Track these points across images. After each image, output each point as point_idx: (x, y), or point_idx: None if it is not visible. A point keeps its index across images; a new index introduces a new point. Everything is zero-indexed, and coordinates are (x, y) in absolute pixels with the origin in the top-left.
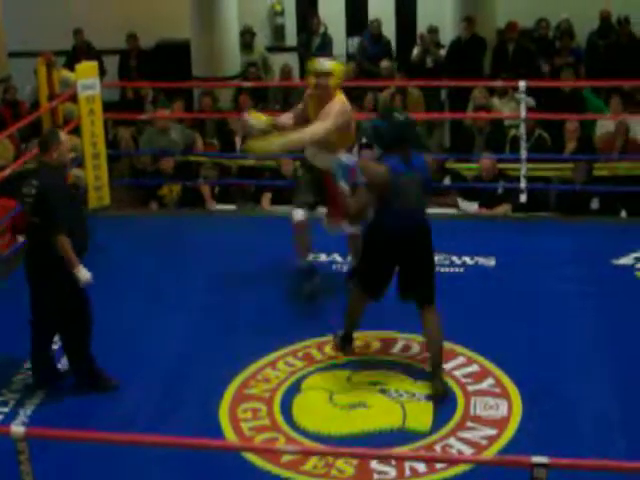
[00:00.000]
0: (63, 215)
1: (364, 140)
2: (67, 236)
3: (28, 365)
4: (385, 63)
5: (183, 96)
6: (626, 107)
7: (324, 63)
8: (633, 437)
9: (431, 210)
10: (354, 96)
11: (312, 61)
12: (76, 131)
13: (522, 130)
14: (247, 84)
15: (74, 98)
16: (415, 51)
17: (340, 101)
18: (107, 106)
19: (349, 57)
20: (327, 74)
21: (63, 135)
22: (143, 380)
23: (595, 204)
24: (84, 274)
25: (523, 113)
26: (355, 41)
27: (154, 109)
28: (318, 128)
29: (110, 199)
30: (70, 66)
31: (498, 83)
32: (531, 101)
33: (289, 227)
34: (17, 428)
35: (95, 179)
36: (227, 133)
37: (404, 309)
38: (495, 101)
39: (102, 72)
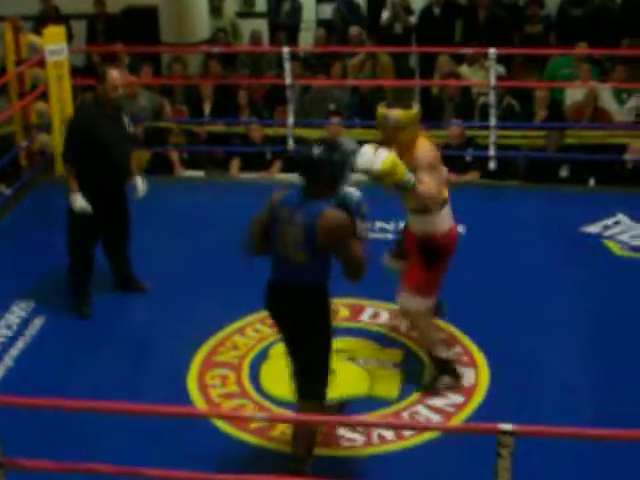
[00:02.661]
0: (70, 145)
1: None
2: (74, 164)
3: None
4: (354, 29)
5: (151, 62)
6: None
7: (389, 117)
8: (600, 405)
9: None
10: (323, 64)
11: (379, 111)
12: (44, 97)
13: (491, 98)
14: (216, 50)
15: (42, 63)
16: (384, 16)
17: (424, 152)
18: (74, 71)
19: (319, 23)
20: (394, 128)
21: (111, 73)
22: (110, 347)
23: (564, 172)
24: (78, 202)
25: (493, 81)
26: (326, 8)
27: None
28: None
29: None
30: (37, 31)
31: (468, 50)
32: (500, 69)
33: (257, 193)
34: None
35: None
36: (196, 99)
37: (372, 276)
38: (464, 69)
39: (69, 37)
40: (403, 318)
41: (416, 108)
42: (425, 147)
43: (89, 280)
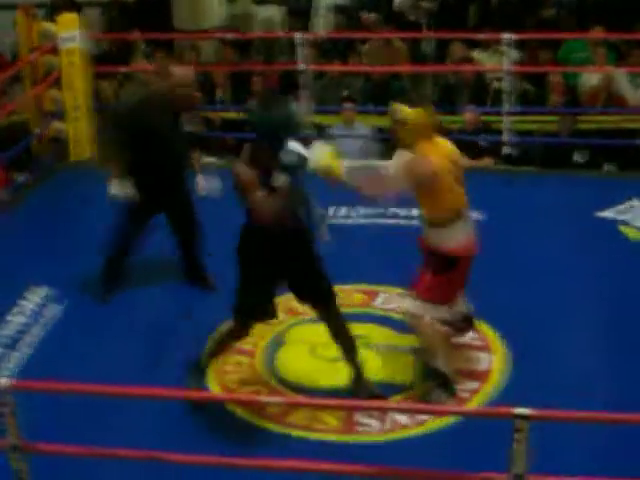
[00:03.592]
0: (123, 132)
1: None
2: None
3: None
4: (368, 15)
5: (164, 49)
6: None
7: (396, 109)
8: (616, 392)
9: None
10: (338, 50)
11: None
12: (57, 84)
13: (506, 83)
14: (230, 36)
15: (55, 50)
16: (397, 1)
17: (414, 157)
18: (90, 59)
19: (337, 10)
20: (398, 122)
21: (176, 70)
22: (126, 334)
23: (579, 157)
24: (113, 188)
25: (507, 66)
26: None
27: (147, 61)
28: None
29: (92, 152)
30: (51, 18)
31: (482, 35)
32: (515, 54)
33: None
34: (2, 380)
35: (76, 132)
36: (209, 86)
37: (386, 262)
38: (477, 54)
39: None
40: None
41: (426, 112)
42: (424, 158)
43: (121, 269)
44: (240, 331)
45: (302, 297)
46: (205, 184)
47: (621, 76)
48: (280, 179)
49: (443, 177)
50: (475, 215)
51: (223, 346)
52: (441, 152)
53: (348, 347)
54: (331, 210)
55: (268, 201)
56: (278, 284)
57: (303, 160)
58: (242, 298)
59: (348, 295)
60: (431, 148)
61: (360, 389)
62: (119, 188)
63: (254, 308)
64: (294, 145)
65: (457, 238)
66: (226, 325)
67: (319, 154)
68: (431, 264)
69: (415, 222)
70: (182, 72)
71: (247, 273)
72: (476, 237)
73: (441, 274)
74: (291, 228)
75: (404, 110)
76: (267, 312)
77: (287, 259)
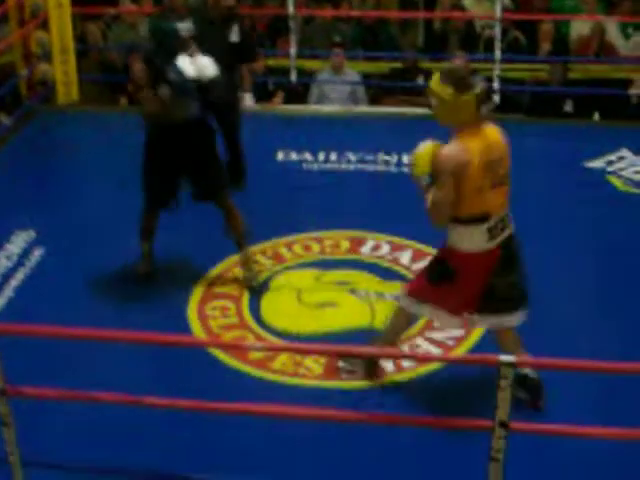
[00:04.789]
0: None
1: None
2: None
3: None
4: None
5: None
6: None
7: (435, 80)
8: (601, 340)
9: (404, 109)
10: None
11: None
12: (44, 26)
13: (497, 30)
14: None
15: None
16: None
17: (449, 150)
18: (74, 0)
19: None
20: (432, 95)
21: None
22: (109, 278)
23: (569, 106)
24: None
25: (498, 13)
26: None
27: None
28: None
29: (78, 95)
30: None
31: None
32: (506, 1)
33: (259, 123)
34: None
35: (63, 74)
36: None
37: (373, 209)
38: (467, 1)
39: None
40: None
41: (458, 91)
42: (456, 148)
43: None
44: (147, 219)
45: (197, 192)
46: (250, 102)
47: (612, 26)
48: (163, 91)
49: (472, 174)
50: None
51: None
52: (483, 145)
53: (239, 235)
54: (321, 155)
55: (151, 100)
56: (172, 176)
57: (186, 80)
58: (145, 187)
59: (335, 242)
60: (472, 137)
61: (249, 276)
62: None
63: (154, 197)
64: (188, 62)
65: (479, 242)
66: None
67: (418, 148)
68: (430, 266)
69: (405, 169)
70: None
71: (146, 164)
72: (499, 254)
73: (433, 282)
74: (182, 124)
75: (433, 80)
76: (165, 202)
77: (178, 153)
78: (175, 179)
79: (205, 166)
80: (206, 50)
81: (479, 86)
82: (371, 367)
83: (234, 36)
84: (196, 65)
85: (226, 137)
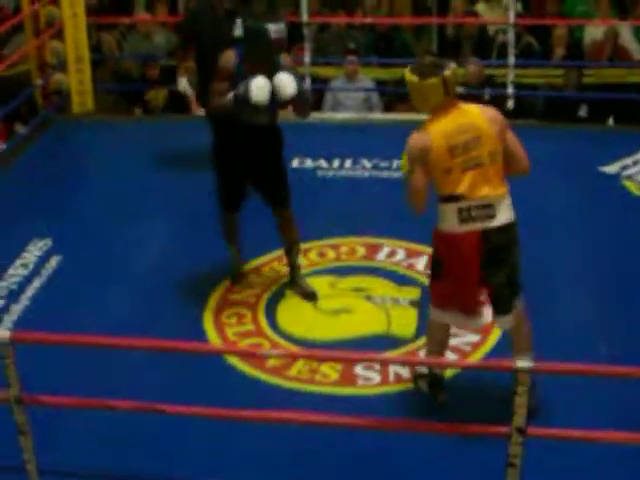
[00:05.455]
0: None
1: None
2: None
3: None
4: None
5: (167, 2)
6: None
7: (406, 71)
8: (617, 346)
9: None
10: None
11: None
12: (59, 35)
13: (510, 36)
14: None
15: (57, 1)
16: None
17: (412, 137)
18: (89, 10)
19: None
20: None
21: None
22: (126, 286)
23: (583, 111)
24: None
25: (511, 18)
26: None
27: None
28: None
29: (94, 104)
30: None
31: None
32: (518, 6)
33: None
34: (2, 332)
35: (78, 84)
36: None
37: (389, 215)
38: (480, 7)
39: None
40: None
41: (422, 78)
42: (419, 134)
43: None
44: (226, 222)
45: (264, 197)
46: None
47: (625, 30)
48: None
49: (436, 157)
50: None
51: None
52: (453, 126)
53: (290, 246)
54: (336, 162)
55: (222, 95)
56: (240, 178)
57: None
58: (216, 189)
59: (351, 248)
60: (440, 121)
61: (295, 287)
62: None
63: (225, 198)
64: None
65: (446, 220)
66: None
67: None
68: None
69: None
70: None
71: (215, 166)
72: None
73: (434, 278)
74: (249, 128)
75: (406, 72)
76: (236, 204)
77: (248, 156)
78: (243, 182)
79: (270, 172)
80: (219, 44)
81: (447, 70)
82: (435, 384)
83: (237, 31)
84: (276, 83)
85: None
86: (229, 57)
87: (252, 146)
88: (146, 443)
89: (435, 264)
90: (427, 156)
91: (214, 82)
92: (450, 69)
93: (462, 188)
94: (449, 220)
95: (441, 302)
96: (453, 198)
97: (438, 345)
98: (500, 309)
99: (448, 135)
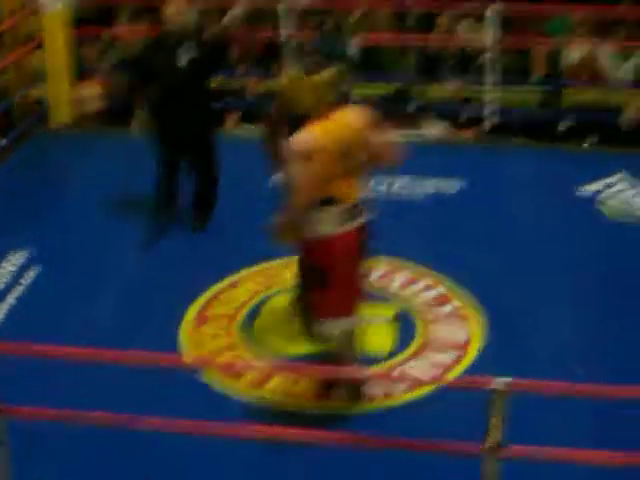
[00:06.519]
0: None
1: None
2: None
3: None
4: None
5: (150, 14)
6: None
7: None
8: (591, 367)
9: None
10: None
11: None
12: (38, 48)
13: (489, 55)
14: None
15: (38, 13)
16: None
17: (300, 136)
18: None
19: None
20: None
21: (168, 3)
22: (104, 299)
23: (562, 129)
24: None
25: (491, 38)
26: None
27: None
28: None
29: (72, 117)
30: None
31: (468, 6)
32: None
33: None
34: None
35: (57, 97)
36: None
37: None
38: (464, 24)
39: None
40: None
41: (295, 81)
42: (303, 135)
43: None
44: None
45: None
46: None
47: (604, 52)
48: None
49: (322, 159)
50: (455, 187)
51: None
52: (334, 131)
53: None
54: None
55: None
56: None
57: None
58: None
59: None
60: (323, 123)
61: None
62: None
63: None
64: None
65: (333, 224)
66: None
67: None
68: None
69: (396, 197)
70: (171, 7)
71: None
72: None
73: (320, 290)
74: None
75: (284, 78)
76: None
77: None
78: None
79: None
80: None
81: (325, 74)
82: (353, 391)
83: (192, 52)
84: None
85: (200, 164)
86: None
87: None
88: (121, 455)
89: (319, 274)
90: (312, 156)
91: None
92: (328, 74)
93: (341, 191)
94: (329, 224)
95: (331, 311)
96: (332, 201)
97: (349, 359)
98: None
99: (329, 139)
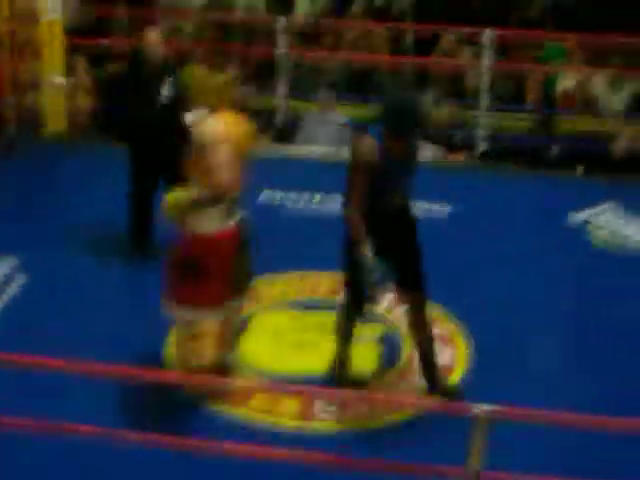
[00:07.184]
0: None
1: None
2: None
3: None
4: (355, 7)
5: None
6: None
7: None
8: (579, 393)
9: None
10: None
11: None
12: (35, 55)
13: (484, 79)
14: (212, 16)
15: (35, 21)
16: None
17: (204, 125)
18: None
19: None
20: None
21: (146, 34)
22: (90, 309)
23: (553, 156)
24: None
25: (485, 62)
26: None
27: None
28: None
29: (66, 125)
30: None
31: (464, 30)
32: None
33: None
34: None
35: (52, 105)
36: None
37: None
38: (467, 51)
39: None
40: None
41: (205, 75)
42: (208, 125)
43: (148, 226)
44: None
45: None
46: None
47: (598, 80)
48: None
49: (222, 149)
50: (445, 211)
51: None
52: (230, 127)
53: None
54: (305, 196)
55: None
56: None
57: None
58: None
59: (316, 283)
60: (219, 121)
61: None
62: None
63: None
64: None
65: (214, 221)
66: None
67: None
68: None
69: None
70: (150, 37)
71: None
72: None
73: (185, 280)
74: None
75: (193, 68)
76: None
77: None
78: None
79: (410, 256)
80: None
81: (227, 77)
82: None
83: (165, 91)
84: None
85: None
86: (368, 144)
87: (391, 229)
88: (102, 469)
89: (188, 266)
90: (213, 146)
91: (351, 176)
92: (230, 77)
93: (224, 188)
94: (211, 220)
95: (190, 300)
96: (216, 199)
97: (190, 355)
98: (236, 295)
99: (228, 133)
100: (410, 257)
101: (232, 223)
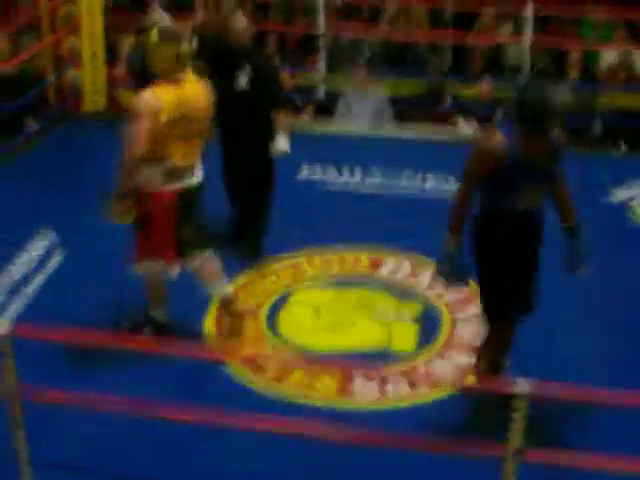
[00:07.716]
0: None
1: None
2: None
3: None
4: None
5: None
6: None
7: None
8: (613, 376)
9: (430, 132)
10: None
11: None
12: (75, 32)
13: (524, 56)
14: None
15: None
16: None
17: (146, 95)
18: (107, 10)
19: None
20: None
21: (235, 21)
22: (127, 293)
23: (596, 132)
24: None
25: (527, 39)
26: None
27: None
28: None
29: (106, 102)
30: None
31: (505, 6)
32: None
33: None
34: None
35: (92, 82)
36: None
37: (396, 230)
38: (505, 30)
39: None
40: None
41: (160, 41)
42: (151, 94)
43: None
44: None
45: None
46: (283, 146)
47: (638, 56)
48: None
49: (160, 120)
50: None
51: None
52: (178, 98)
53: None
54: (346, 172)
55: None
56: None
57: None
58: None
59: (355, 261)
60: (170, 87)
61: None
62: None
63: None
64: None
65: (152, 181)
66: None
67: None
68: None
69: (428, 195)
70: (237, 23)
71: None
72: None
73: (140, 233)
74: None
75: (153, 35)
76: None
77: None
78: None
79: (510, 278)
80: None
81: (185, 44)
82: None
83: (242, 80)
84: None
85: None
86: (495, 141)
87: (527, 232)
88: (137, 443)
89: (141, 220)
90: (154, 116)
91: (465, 171)
92: (187, 45)
93: (175, 155)
94: (155, 180)
95: (147, 253)
96: (163, 161)
97: (159, 295)
98: (187, 254)
99: (174, 103)
100: (509, 280)
101: (175, 186)
